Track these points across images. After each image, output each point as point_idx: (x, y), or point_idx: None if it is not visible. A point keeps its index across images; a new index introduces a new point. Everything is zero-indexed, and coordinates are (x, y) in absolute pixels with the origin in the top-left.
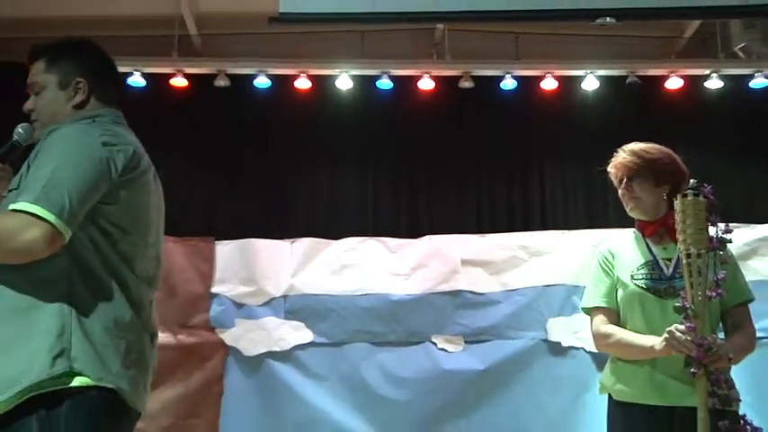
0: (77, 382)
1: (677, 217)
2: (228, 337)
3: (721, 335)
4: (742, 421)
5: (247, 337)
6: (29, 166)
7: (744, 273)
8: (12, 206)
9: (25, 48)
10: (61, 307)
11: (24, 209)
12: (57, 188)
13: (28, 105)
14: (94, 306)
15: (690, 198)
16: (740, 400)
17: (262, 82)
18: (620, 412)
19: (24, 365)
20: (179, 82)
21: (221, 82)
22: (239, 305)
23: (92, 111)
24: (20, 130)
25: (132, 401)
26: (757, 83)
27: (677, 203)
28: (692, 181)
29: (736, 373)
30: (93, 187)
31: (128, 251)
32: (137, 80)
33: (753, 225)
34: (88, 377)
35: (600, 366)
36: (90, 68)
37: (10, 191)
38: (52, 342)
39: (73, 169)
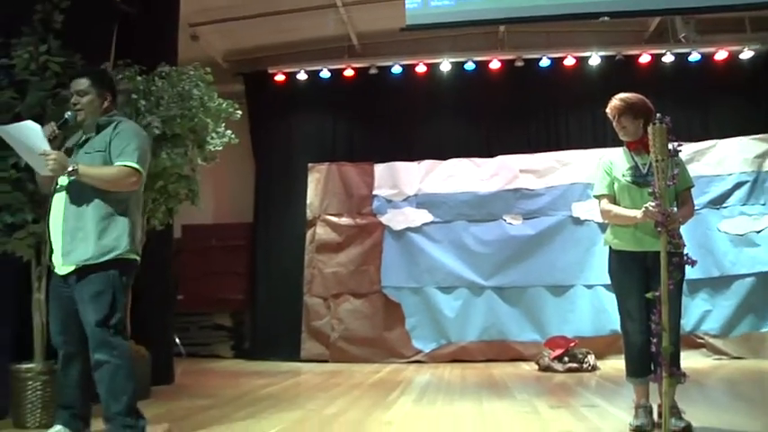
0: (131, 255)
1: (649, 138)
2: (384, 219)
3: (675, 208)
4: (686, 257)
5: (395, 219)
6: (110, 141)
7: (688, 170)
8: (124, 162)
9: (268, 61)
10: (126, 215)
11: (131, 165)
12: (143, 155)
13: (74, 100)
14: (136, 216)
15: (657, 126)
16: (685, 245)
17: (396, 69)
18: (615, 256)
19: (116, 243)
20: (348, 73)
21: (373, 71)
22: (389, 201)
23: (113, 113)
24: (70, 114)
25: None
26: (693, 57)
27: (649, 129)
28: (657, 115)
29: (684, 229)
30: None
31: (143, 188)
32: (324, 74)
33: (692, 143)
34: (135, 254)
35: (602, 231)
36: (112, 88)
37: (98, 151)
38: (128, 233)
39: (144, 145)
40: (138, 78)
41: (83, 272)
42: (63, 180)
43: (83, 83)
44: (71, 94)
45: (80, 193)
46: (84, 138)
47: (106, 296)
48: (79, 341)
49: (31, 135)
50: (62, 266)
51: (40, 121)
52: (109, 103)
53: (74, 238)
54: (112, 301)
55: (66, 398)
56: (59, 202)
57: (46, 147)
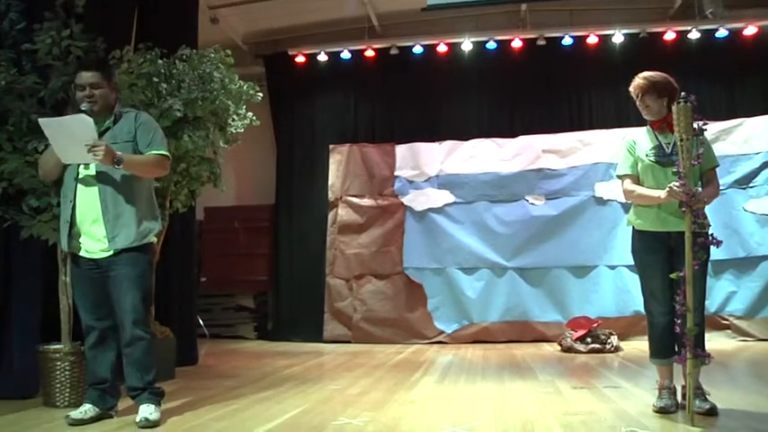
0: (155, 239)
1: (674, 116)
2: (406, 200)
3: (699, 188)
4: (711, 237)
5: (417, 199)
6: (135, 130)
7: (713, 149)
8: (158, 151)
9: (288, 43)
10: (152, 201)
11: (163, 153)
12: (167, 144)
13: (88, 93)
14: (156, 202)
15: (681, 104)
16: (710, 225)
17: (417, 49)
18: (638, 236)
19: (151, 227)
20: (369, 53)
21: (394, 51)
22: (411, 182)
23: (119, 103)
24: (86, 105)
25: None
26: (720, 33)
27: (674, 108)
28: (682, 93)
29: (709, 209)
30: None
31: None
32: (345, 54)
33: (718, 121)
34: (156, 236)
35: (626, 211)
36: (116, 79)
37: (126, 141)
38: (157, 218)
39: (163, 134)
40: (160, 62)
41: (121, 255)
42: (89, 169)
43: (95, 76)
44: (82, 86)
45: (113, 181)
46: (100, 129)
47: (146, 277)
48: (114, 319)
49: (82, 127)
50: (102, 251)
51: (64, 106)
52: (117, 94)
53: (116, 224)
54: (149, 281)
55: (99, 375)
56: (89, 190)
57: (95, 137)
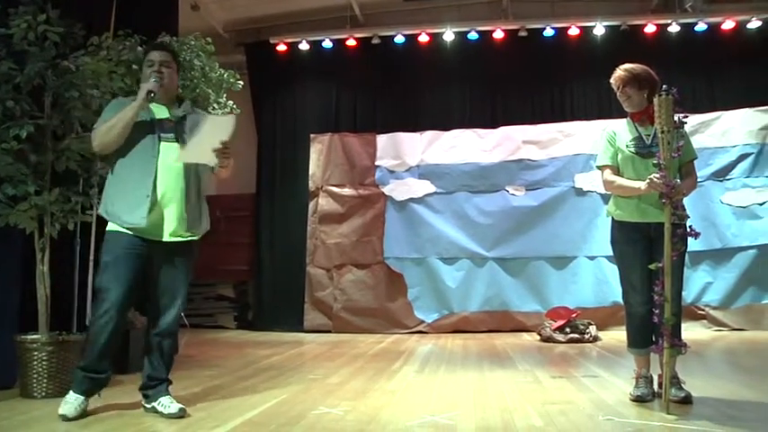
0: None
1: (655, 108)
2: (387, 190)
3: (678, 180)
4: (689, 228)
5: (397, 189)
6: (184, 120)
7: (692, 142)
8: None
9: (270, 31)
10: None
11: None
12: None
13: (159, 69)
14: None
15: (663, 96)
16: (689, 217)
17: (399, 39)
18: (618, 227)
19: (206, 225)
20: (351, 42)
21: (375, 41)
22: (392, 171)
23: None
24: (154, 77)
25: None
26: (699, 27)
27: (655, 100)
28: (664, 86)
29: (687, 201)
30: None
31: None
32: (327, 44)
33: (697, 114)
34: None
35: (605, 202)
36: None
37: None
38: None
39: None
40: (139, 49)
41: (186, 245)
42: (172, 150)
43: (167, 55)
44: (152, 62)
45: (194, 171)
46: (176, 114)
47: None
48: (129, 308)
49: (224, 126)
50: (171, 235)
51: (41, 92)
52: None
53: (191, 208)
54: None
55: (101, 365)
56: (173, 169)
57: (229, 139)
